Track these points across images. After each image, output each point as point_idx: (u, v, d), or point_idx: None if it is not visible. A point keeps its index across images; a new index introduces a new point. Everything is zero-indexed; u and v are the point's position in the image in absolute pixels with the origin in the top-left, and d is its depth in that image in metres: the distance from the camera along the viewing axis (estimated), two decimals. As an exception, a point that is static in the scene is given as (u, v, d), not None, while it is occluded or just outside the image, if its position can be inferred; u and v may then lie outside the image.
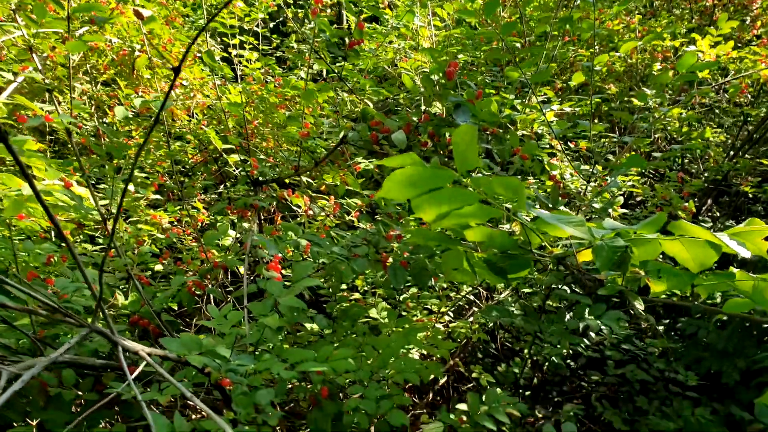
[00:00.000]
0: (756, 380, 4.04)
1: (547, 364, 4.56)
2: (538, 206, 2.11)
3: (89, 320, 1.47)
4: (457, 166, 1.35)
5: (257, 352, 1.79)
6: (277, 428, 2.79)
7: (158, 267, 2.96)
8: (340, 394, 2.31)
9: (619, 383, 4.63)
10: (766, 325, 4.17)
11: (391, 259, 2.10)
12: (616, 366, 4.04)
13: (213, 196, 4.48)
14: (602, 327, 3.77)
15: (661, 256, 1.62)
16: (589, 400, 4.28)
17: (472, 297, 3.43)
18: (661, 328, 4.70)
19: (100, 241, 2.99)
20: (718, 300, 4.82)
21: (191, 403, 2.30)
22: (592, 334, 3.36)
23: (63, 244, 2.67)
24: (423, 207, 1.54)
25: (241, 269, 2.28)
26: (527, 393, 4.40)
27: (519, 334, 4.46)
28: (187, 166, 4.18)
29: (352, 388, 2.10)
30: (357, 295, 2.86)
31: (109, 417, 1.98)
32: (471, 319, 3.13)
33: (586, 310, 2.47)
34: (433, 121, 2.09)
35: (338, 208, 2.78)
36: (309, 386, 1.97)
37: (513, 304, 2.90)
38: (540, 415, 4.17)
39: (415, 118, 2.14)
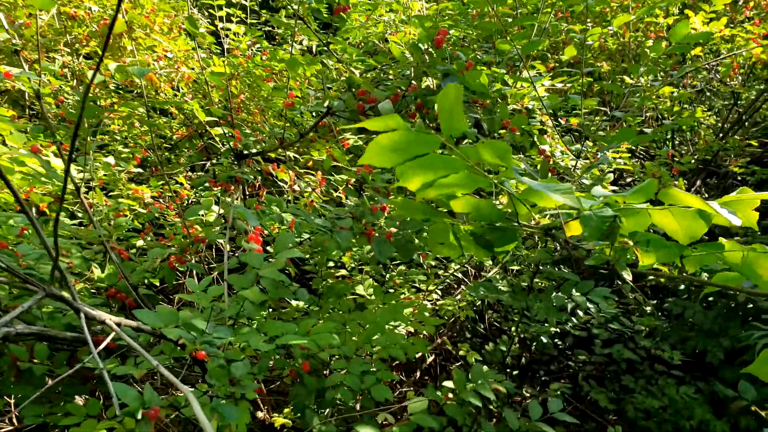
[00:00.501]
0: (739, 359, 4.06)
1: (534, 344, 4.56)
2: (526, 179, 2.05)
3: (55, 287, 1.40)
4: (443, 129, 1.29)
5: (236, 326, 1.74)
6: (264, 408, 2.75)
7: (140, 243, 2.89)
8: (325, 371, 2.27)
9: (606, 363, 4.64)
10: (750, 305, 4.17)
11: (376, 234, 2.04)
12: (603, 346, 4.04)
13: (199, 173, 4.40)
14: (590, 306, 3.76)
15: (650, 230, 1.58)
16: (576, 380, 4.28)
17: (459, 275, 3.39)
18: (648, 309, 4.70)
19: (80, 215, 2.91)
20: (704, 279, 4.82)
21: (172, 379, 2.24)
22: (580, 313, 3.34)
23: (40, 217, 2.59)
24: (408, 175, 1.47)
25: (223, 243, 2.21)
26: (515, 372, 4.39)
27: (507, 313, 4.44)
28: (172, 142, 4.09)
29: (336, 363, 2.06)
30: (343, 272, 2.81)
31: (85, 393, 1.92)
32: (459, 297, 3.09)
33: (573, 288, 2.43)
34: (421, 91, 2.02)
35: (324, 182, 2.71)
36: (291, 362, 1.92)
37: (501, 281, 2.86)
38: (527, 394, 4.17)
39: (402, 88, 2.07)
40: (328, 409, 2.23)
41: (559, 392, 3.63)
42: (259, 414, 2.60)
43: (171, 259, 2.41)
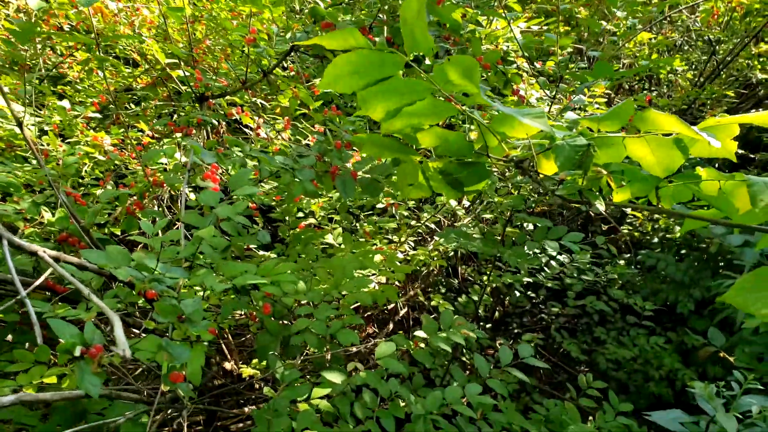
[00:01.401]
0: (708, 308, 4.12)
1: (508, 298, 4.56)
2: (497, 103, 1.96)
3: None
4: (406, 46, 1.19)
5: (193, 269, 1.65)
6: (232, 359, 2.69)
7: (99, 192, 2.76)
8: (291, 320, 2.20)
9: (579, 315, 4.68)
10: (721, 257, 4.21)
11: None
12: (576, 298, 4.05)
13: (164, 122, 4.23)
14: (563, 257, 3.75)
15: (626, 161, 1.51)
16: (549, 332, 4.32)
17: (432, 226, 3.33)
18: (621, 262, 4.73)
19: (34, 162, 2.76)
20: (677, 234, 4.85)
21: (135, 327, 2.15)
22: (554, 264, 3.32)
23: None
24: (371, 102, 1.38)
25: (181, 187, 2.10)
26: (488, 326, 4.41)
27: (480, 266, 4.42)
28: (138, 95, 3.90)
29: (301, 309, 1.99)
30: (312, 221, 2.72)
31: (32, 341, 1.83)
32: (431, 248, 3.03)
33: (546, 233, 2.38)
34: (390, 23, 1.90)
35: (290, 124, 2.59)
36: (253, 304, 1.84)
37: (473, 229, 2.80)
38: (500, 346, 4.19)
39: (370, 20, 1.95)
40: (295, 357, 2.18)
41: (532, 343, 3.65)
42: (227, 365, 2.54)
43: (128, 205, 2.30)
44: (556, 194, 1.42)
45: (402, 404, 2.06)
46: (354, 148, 2.02)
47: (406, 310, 3.65)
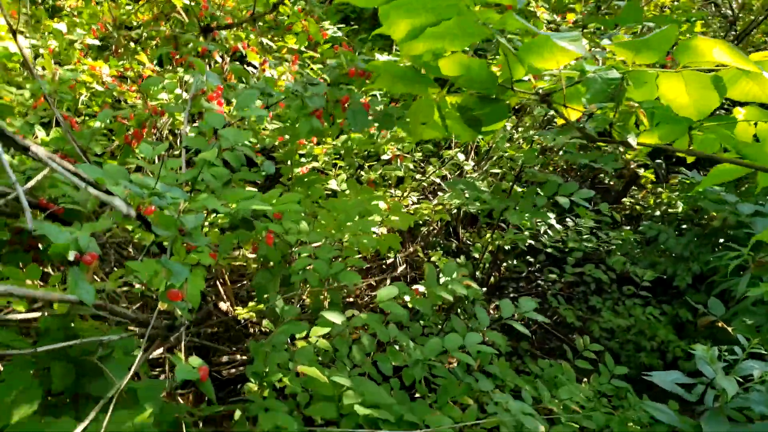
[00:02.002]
0: (706, 282, 4.10)
1: (504, 264, 4.53)
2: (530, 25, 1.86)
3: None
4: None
5: (193, 194, 1.58)
6: (227, 301, 2.64)
7: (96, 124, 2.67)
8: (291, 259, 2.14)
9: (575, 283, 4.65)
10: (722, 232, 4.18)
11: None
12: (574, 266, 4.01)
13: (167, 68, 4.10)
14: (567, 222, 3.70)
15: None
16: (545, 298, 4.29)
17: (437, 180, 3.26)
18: (623, 233, 4.69)
19: (28, 86, 2.65)
20: (680, 209, 4.81)
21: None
22: (558, 227, 3.26)
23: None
24: (393, 19, 1.28)
25: (181, 117, 2.01)
26: (483, 290, 4.38)
27: (480, 230, 4.37)
28: (138, 35, 3.76)
29: (303, 248, 1.92)
30: (315, 164, 2.64)
31: (27, 261, 1.76)
32: (435, 202, 2.96)
33: (557, 188, 2.32)
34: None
35: (297, 60, 2.49)
36: (253, 234, 1.77)
37: (481, 183, 2.73)
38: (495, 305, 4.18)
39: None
40: (294, 300, 2.13)
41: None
42: (223, 305, 2.49)
43: (127, 134, 2.21)
44: (584, 129, 1.34)
45: (399, 351, 2.02)
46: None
47: (404, 266, 3.60)
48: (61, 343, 1.36)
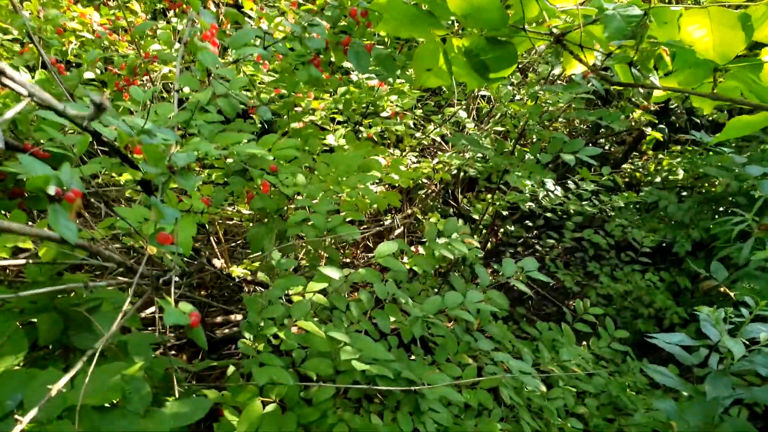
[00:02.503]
0: (706, 248, 4.07)
1: (502, 230, 4.48)
2: None
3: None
4: None
5: (186, 138, 1.50)
6: (222, 259, 2.58)
7: (87, 75, 2.56)
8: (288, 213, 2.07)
9: (573, 249, 4.62)
10: (724, 199, 4.13)
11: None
12: (573, 231, 3.96)
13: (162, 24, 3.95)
14: (568, 182, 3.63)
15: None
16: (543, 263, 4.26)
17: (438, 139, 3.17)
18: (621, 203, 4.64)
19: (14, 33, 2.53)
20: (680, 176, 4.75)
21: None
22: (559, 190, 3.19)
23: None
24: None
25: (174, 66, 1.91)
26: (481, 253, 4.34)
27: (479, 195, 4.30)
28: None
29: (300, 201, 1.85)
30: (313, 118, 2.54)
31: (10, 208, 1.69)
32: (435, 161, 2.88)
33: (562, 145, 2.24)
34: None
35: (295, 6, 2.38)
36: (250, 184, 1.70)
37: (484, 139, 2.65)
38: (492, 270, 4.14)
39: None
40: (291, 254, 2.06)
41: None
42: (217, 262, 2.42)
43: (118, 81, 2.11)
44: (601, 71, 1.26)
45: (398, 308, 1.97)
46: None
47: (402, 230, 3.54)
48: (47, 300, 1.29)
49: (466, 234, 2.13)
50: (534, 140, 2.34)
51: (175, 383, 1.52)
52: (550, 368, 2.14)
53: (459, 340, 2.01)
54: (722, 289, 2.81)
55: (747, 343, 1.96)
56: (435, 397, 1.63)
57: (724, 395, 1.89)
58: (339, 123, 2.67)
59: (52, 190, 0.93)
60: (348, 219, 1.87)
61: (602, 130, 4.59)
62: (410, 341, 1.98)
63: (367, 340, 1.73)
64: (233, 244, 3.13)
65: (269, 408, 1.60)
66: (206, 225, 2.39)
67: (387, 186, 2.47)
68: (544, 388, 1.82)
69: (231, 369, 1.71)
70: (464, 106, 3.04)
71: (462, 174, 4.09)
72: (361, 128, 2.60)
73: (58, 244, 1.12)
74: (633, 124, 3.22)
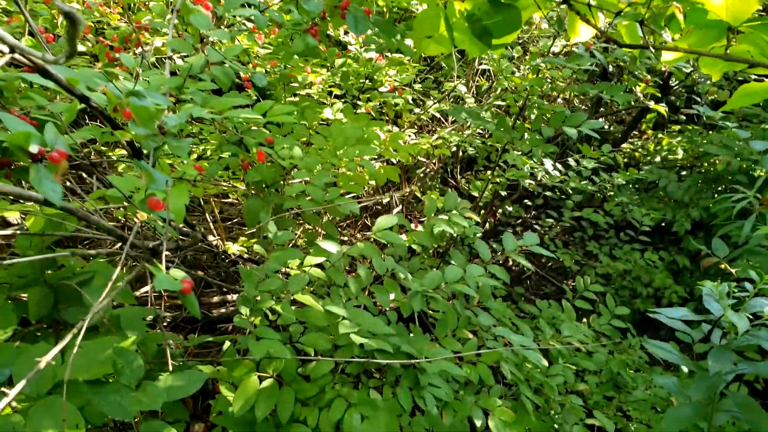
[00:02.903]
0: (705, 227, 4.04)
1: (501, 210, 4.43)
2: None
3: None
4: None
5: (178, 104, 1.44)
6: (218, 235, 2.53)
7: (79, 48, 2.48)
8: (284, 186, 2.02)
9: (572, 229, 4.59)
10: (724, 178, 4.09)
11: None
12: (572, 210, 3.92)
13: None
14: (569, 159, 3.58)
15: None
16: (542, 242, 4.22)
17: (437, 115, 3.11)
18: (621, 180, 4.60)
19: (2, 2, 2.45)
20: (680, 155, 4.71)
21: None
22: (559, 167, 3.15)
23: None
24: None
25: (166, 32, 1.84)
26: (479, 235, 4.30)
27: (478, 174, 4.25)
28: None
29: (297, 173, 1.80)
30: (310, 91, 2.48)
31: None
32: (435, 137, 2.83)
33: (563, 120, 2.19)
34: None
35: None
36: (245, 154, 1.65)
37: (485, 112, 2.59)
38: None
39: None
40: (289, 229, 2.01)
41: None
42: (212, 238, 2.38)
43: (109, 51, 2.04)
44: (608, 34, 1.20)
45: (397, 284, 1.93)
46: None
47: (400, 208, 3.50)
48: (31, 258, 1.24)
49: (466, 208, 2.08)
50: (535, 115, 2.28)
51: (170, 359, 1.48)
52: (552, 343, 2.11)
53: (459, 315, 1.98)
54: (723, 266, 2.78)
55: (751, 317, 1.93)
56: (434, 371, 1.60)
57: (726, 370, 1.86)
58: (337, 97, 2.61)
59: (34, 148, 0.88)
60: (347, 194, 1.83)
61: (602, 109, 4.53)
62: (409, 320, 1.94)
63: (366, 315, 1.70)
64: (229, 223, 3.09)
65: (266, 383, 1.57)
66: (201, 202, 2.34)
67: (385, 161, 2.42)
68: (545, 363, 1.79)
69: (227, 344, 1.67)
70: (464, 81, 2.97)
71: (461, 153, 4.04)
72: (359, 102, 2.53)
73: (42, 206, 1.07)
74: (634, 101, 3.16)
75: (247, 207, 1.82)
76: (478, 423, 1.70)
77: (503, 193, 4.27)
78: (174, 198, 1.15)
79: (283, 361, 1.58)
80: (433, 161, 3.51)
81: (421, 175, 3.78)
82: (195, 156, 2.20)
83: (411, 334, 1.96)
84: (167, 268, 1.04)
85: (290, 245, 2.22)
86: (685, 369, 2.89)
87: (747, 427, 2.48)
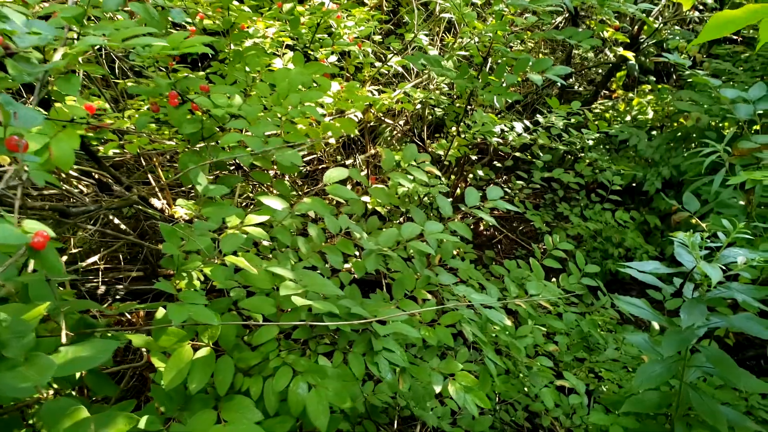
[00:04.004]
0: (674, 188, 3.93)
1: (472, 175, 4.26)
2: None
3: None
4: None
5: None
6: (163, 198, 2.31)
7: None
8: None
9: (543, 191, 4.45)
10: (695, 135, 3.96)
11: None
12: (542, 170, 3.76)
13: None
14: (541, 117, 3.41)
15: None
16: (513, 204, 4.07)
17: (400, 69, 2.90)
18: (591, 141, 4.45)
19: None
20: (650, 116, 4.57)
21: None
22: (525, 125, 2.97)
23: None
24: None
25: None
26: (449, 201, 4.13)
27: (447, 137, 4.06)
28: None
29: (234, 122, 1.59)
30: (259, 40, 2.23)
31: None
32: (397, 92, 2.62)
33: (528, 65, 2.00)
34: None
35: None
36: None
37: (447, 60, 2.39)
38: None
39: None
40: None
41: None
42: (156, 202, 2.16)
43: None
44: None
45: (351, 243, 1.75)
46: None
47: (367, 171, 3.30)
48: None
49: (426, 162, 1.90)
50: (499, 64, 2.09)
51: (64, 328, 1.27)
52: (518, 303, 1.96)
53: (418, 274, 1.81)
54: (694, 221, 2.65)
55: (724, 268, 1.79)
56: (388, 334, 1.43)
57: (699, 323, 1.72)
58: (289, 47, 2.38)
59: None
60: (295, 146, 1.62)
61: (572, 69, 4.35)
62: (375, 285, 1.77)
63: (314, 276, 1.51)
64: (186, 188, 2.86)
65: (201, 352, 1.38)
66: (141, 159, 2.12)
67: (339, 114, 2.21)
68: (508, 322, 1.63)
69: (161, 311, 1.47)
70: (426, 30, 2.76)
71: (430, 117, 3.84)
72: (311, 51, 2.30)
73: None
74: (602, 48, 2.98)
75: (181, 162, 1.62)
76: (438, 389, 1.55)
77: (474, 158, 4.09)
78: (59, 143, 0.94)
79: (219, 328, 1.40)
80: (399, 122, 3.31)
81: (389, 137, 3.58)
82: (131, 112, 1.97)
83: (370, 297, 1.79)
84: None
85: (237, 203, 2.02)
86: (656, 326, 2.78)
87: (719, 382, 2.38)
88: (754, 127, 3.85)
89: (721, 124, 4.06)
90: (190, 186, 2.66)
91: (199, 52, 1.17)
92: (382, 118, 3.10)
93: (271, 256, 1.63)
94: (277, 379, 1.43)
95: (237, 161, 2.05)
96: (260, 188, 2.01)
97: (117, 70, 2.42)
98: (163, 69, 1.83)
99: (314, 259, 1.67)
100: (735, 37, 4.72)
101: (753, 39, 4.60)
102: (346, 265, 1.71)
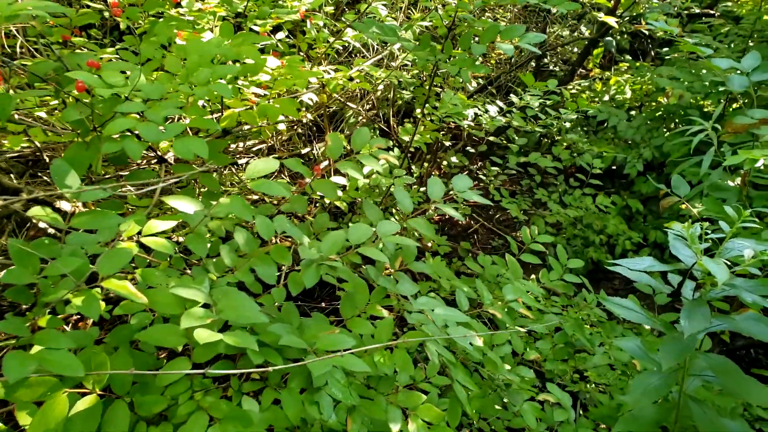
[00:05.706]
0: (656, 171, 3.64)
1: (445, 162, 3.92)
2: None
3: None
4: None
5: None
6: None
7: None
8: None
9: (519, 176, 4.14)
10: (674, 114, 3.67)
11: None
12: (518, 154, 3.44)
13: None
14: (516, 97, 3.08)
15: None
16: (488, 192, 3.75)
17: (358, 45, 2.54)
18: (568, 124, 4.14)
19: None
20: (628, 95, 4.27)
21: None
22: (496, 116, 2.63)
23: None
24: None
25: None
26: (422, 189, 3.80)
27: (417, 122, 3.72)
28: None
29: (125, 105, 1.22)
30: (182, 10, 1.85)
31: None
32: (354, 69, 2.26)
33: (498, 33, 1.66)
34: None
35: None
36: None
37: (405, 31, 2.03)
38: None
39: None
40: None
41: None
42: (68, 206, 1.79)
43: None
44: None
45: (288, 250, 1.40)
46: None
47: (327, 163, 2.94)
48: None
49: (380, 148, 1.55)
50: (464, 33, 1.75)
51: None
52: (492, 312, 1.63)
53: (374, 284, 1.47)
54: (684, 206, 2.35)
55: (729, 264, 1.48)
56: (327, 371, 1.09)
57: (702, 329, 1.41)
58: (226, 20, 2.00)
59: None
60: (202, 133, 1.27)
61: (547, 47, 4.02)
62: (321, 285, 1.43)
63: (235, 297, 1.17)
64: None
65: (83, 403, 1.03)
66: (45, 157, 1.74)
67: (280, 94, 1.85)
68: (479, 342, 1.31)
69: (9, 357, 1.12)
70: (387, 2, 2.41)
71: (398, 100, 3.49)
72: (248, 24, 1.92)
73: None
74: (578, 33, 2.66)
75: (66, 157, 1.25)
76: (395, 429, 1.22)
77: (447, 144, 3.76)
78: None
79: (108, 369, 1.05)
80: (365, 106, 2.95)
81: (354, 124, 3.23)
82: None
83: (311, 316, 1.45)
84: None
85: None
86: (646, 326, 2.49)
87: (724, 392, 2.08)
88: (734, 105, 3.58)
89: (702, 102, 3.78)
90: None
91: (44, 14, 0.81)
92: (345, 102, 2.74)
93: (181, 267, 1.28)
94: (190, 428, 1.10)
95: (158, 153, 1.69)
96: (190, 185, 1.65)
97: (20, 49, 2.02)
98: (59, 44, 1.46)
99: (241, 273, 1.32)
100: (713, 12, 4.43)
101: (731, 12, 4.32)
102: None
